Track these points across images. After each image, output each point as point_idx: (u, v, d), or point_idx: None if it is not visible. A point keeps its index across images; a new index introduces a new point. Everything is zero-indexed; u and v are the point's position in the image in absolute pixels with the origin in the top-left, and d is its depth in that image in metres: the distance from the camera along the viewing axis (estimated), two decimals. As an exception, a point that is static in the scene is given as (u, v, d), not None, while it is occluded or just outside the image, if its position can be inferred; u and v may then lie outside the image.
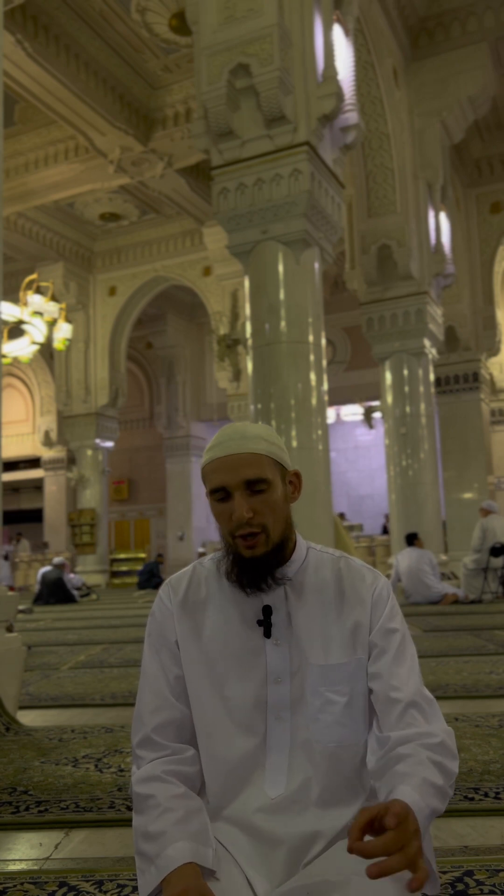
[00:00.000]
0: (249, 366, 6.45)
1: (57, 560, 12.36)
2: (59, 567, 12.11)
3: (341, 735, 1.16)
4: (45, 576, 11.98)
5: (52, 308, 10.37)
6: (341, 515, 14.78)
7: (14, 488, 21.43)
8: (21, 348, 10.70)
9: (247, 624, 1.19)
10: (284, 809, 1.15)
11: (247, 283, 6.50)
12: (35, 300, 10.07)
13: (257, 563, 1.15)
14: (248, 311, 6.47)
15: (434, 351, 10.64)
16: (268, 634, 1.17)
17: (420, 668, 1.18)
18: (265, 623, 1.17)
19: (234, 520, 1.14)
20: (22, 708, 3.46)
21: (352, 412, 18.42)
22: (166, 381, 19.40)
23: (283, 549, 1.18)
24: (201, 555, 15.54)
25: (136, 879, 1.11)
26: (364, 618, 1.19)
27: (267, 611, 1.17)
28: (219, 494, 1.16)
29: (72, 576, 13.03)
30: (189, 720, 1.21)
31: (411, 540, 9.11)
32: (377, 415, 14.90)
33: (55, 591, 11.76)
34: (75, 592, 12.10)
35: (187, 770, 1.17)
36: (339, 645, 1.18)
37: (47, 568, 12.33)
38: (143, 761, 1.18)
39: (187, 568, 1.28)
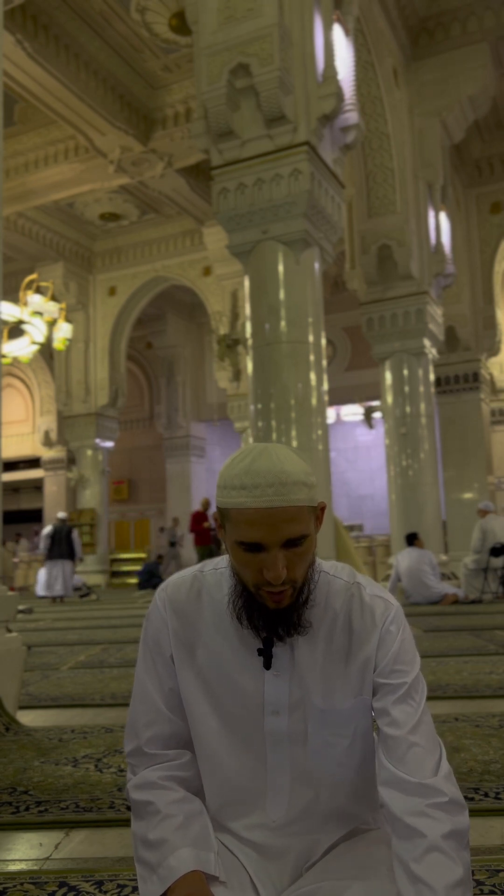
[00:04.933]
0: (249, 366, 6.45)
1: (61, 515, 12.98)
2: (65, 522, 12.74)
3: (343, 773, 1.12)
4: (56, 530, 12.43)
5: (51, 308, 10.38)
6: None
7: (14, 488, 21.43)
8: (21, 348, 10.70)
9: (246, 649, 1.11)
10: (287, 828, 1.13)
11: (247, 283, 6.50)
12: (35, 300, 10.07)
13: (282, 612, 1.06)
14: (248, 311, 6.47)
15: (434, 351, 10.64)
16: (268, 666, 1.09)
17: (420, 669, 1.15)
18: (265, 654, 1.09)
19: (266, 577, 1.03)
20: (22, 708, 3.46)
21: (352, 412, 18.42)
22: (166, 381, 19.39)
23: (303, 592, 1.08)
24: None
25: (136, 880, 1.10)
26: (371, 654, 1.11)
27: (268, 642, 1.09)
28: (249, 546, 1.03)
29: (41, 573, 13.11)
30: (184, 731, 1.17)
31: (411, 540, 9.10)
32: (377, 415, 14.90)
33: (69, 545, 12.32)
34: (79, 551, 12.59)
35: (184, 774, 1.15)
36: (343, 686, 1.11)
37: (48, 529, 12.78)
38: (138, 769, 1.15)
39: (186, 573, 1.20)
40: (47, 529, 12.78)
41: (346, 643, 1.12)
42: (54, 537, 12.39)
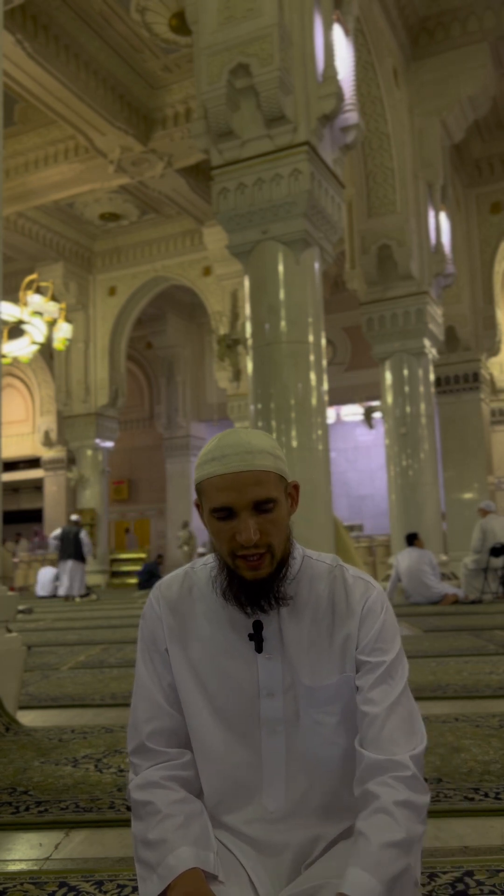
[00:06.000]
0: (249, 366, 6.44)
1: (74, 517, 13.40)
2: (77, 524, 13.06)
3: (336, 752, 1.14)
4: (65, 532, 12.78)
5: (51, 308, 10.38)
6: None
7: (14, 488, 21.43)
8: (21, 348, 10.71)
9: (238, 636, 1.15)
10: (284, 821, 1.14)
11: (247, 283, 6.50)
12: (35, 300, 10.07)
13: (261, 584, 1.10)
14: (248, 311, 6.47)
15: (434, 351, 10.64)
16: (259, 649, 1.13)
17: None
18: (256, 638, 1.13)
19: (239, 541, 1.07)
20: (22, 708, 3.46)
21: (352, 412, 18.42)
22: (166, 381, 19.40)
23: (283, 566, 1.13)
24: (202, 555, 15.54)
25: (135, 880, 1.10)
26: (353, 631, 1.14)
27: (258, 625, 1.13)
28: (221, 513, 1.09)
29: (56, 572, 13.56)
30: (184, 726, 1.18)
31: (411, 540, 9.10)
32: (377, 415, 14.90)
33: (77, 547, 12.61)
34: (87, 550, 12.84)
35: (185, 774, 1.15)
36: (328, 664, 1.14)
37: (57, 532, 13.17)
38: (140, 768, 1.16)
39: (178, 572, 1.24)
40: (56, 532, 13.17)
41: (330, 621, 1.15)
42: (63, 539, 12.73)
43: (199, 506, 1.14)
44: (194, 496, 1.16)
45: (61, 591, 12.57)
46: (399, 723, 1.08)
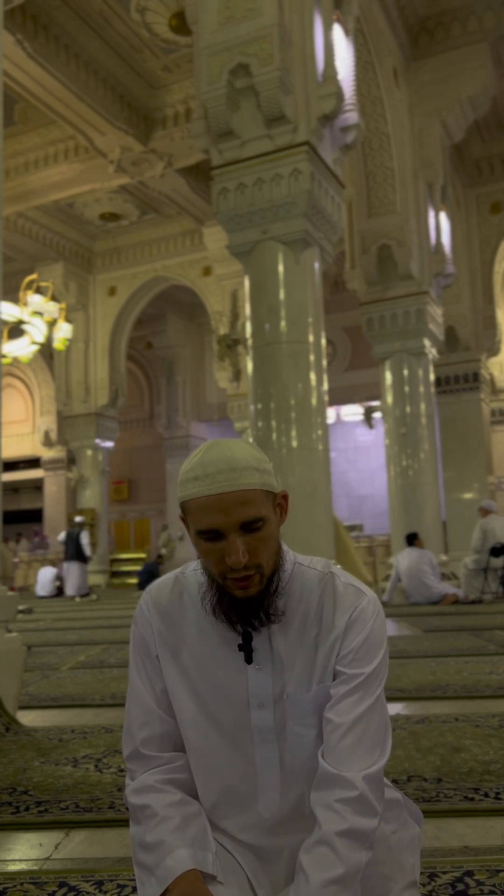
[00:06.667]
0: (249, 366, 6.44)
1: (79, 519, 13.65)
2: (80, 525, 13.38)
3: (315, 766, 1.12)
4: (68, 534, 13.22)
5: (51, 308, 10.38)
6: None
7: (14, 488, 21.43)
8: (21, 348, 10.71)
9: (228, 646, 1.13)
10: (280, 826, 1.13)
11: (247, 283, 6.49)
12: (35, 300, 10.07)
13: (251, 601, 1.08)
14: (248, 311, 6.47)
15: (434, 351, 10.64)
16: (249, 661, 1.11)
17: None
18: (245, 649, 1.11)
19: (228, 563, 1.04)
20: (22, 708, 3.46)
21: (352, 412, 18.42)
22: (166, 381, 19.39)
23: (272, 581, 1.10)
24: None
25: (135, 880, 1.10)
26: (337, 641, 1.12)
27: (247, 637, 1.11)
28: (208, 535, 1.05)
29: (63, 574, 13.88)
30: (178, 731, 1.17)
31: (411, 540, 9.10)
32: (377, 415, 14.90)
33: (79, 548, 13.00)
34: (87, 551, 13.15)
35: (181, 777, 1.15)
36: (310, 675, 1.12)
37: (62, 535, 13.72)
38: (136, 773, 1.16)
39: (169, 576, 1.21)
40: (61, 536, 13.63)
41: (317, 632, 1.13)
42: (67, 540, 13.19)
43: (184, 520, 1.11)
44: (178, 511, 1.15)
45: (70, 591, 12.94)
46: (360, 737, 1.06)
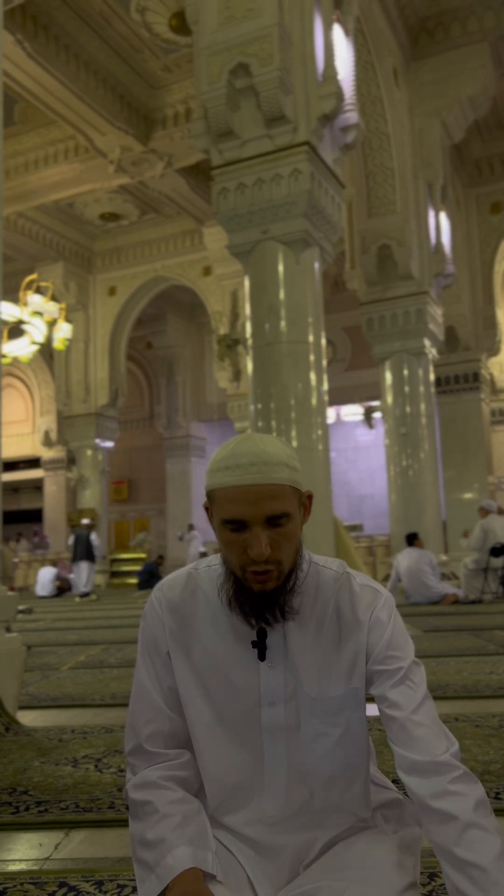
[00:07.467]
0: (249, 366, 6.45)
1: (86, 521, 14.04)
2: (88, 527, 13.71)
3: (336, 766, 1.13)
4: (77, 535, 13.44)
5: (51, 308, 10.37)
6: None
7: (14, 488, 21.43)
8: (21, 348, 10.70)
9: (241, 643, 1.13)
10: (283, 823, 1.13)
11: (247, 282, 6.50)
12: (35, 300, 10.07)
13: (268, 596, 1.08)
14: (248, 311, 6.47)
15: (434, 351, 10.64)
16: (262, 657, 1.11)
17: (417, 659, 1.15)
18: (259, 646, 1.11)
19: (250, 555, 1.05)
20: (22, 708, 3.46)
21: (352, 412, 18.43)
22: (166, 381, 19.39)
23: (290, 578, 1.10)
24: (203, 555, 15.56)
25: (135, 880, 1.10)
26: (362, 643, 1.12)
27: (262, 633, 1.11)
28: (233, 525, 1.06)
29: (72, 576, 13.91)
30: (183, 729, 1.17)
31: (411, 540, 9.10)
32: (377, 415, 14.90)
33: (88, 548, 13.20)
34: (97, 551, 13.44)
35: (184, 774, 1.15)
36: (335, 675, 1.12)
37: (72, 539, 13.93)
38: (138, 769, 1.15)
39: (181, 572, 1.21)
40: (70, 540, 13.90)
41: (336, 631, 1.13)
42: (76, 542, 13.40)
43: (208, 509, 1.12)
44: (204, 499, 1.14)
45: (84, 588, 13.16)
46: (430, 723, 1.08)
